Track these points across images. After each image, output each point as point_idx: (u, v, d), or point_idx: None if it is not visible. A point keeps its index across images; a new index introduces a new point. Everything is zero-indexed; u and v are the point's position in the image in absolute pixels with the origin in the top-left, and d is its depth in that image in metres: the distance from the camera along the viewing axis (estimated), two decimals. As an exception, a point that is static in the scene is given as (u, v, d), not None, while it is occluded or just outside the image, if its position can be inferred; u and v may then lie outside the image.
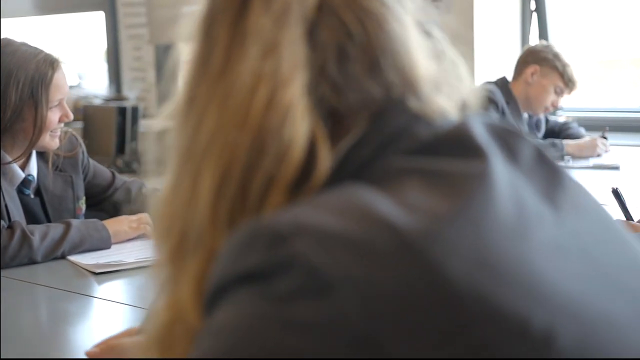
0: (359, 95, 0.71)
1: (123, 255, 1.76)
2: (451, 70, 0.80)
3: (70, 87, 5.88)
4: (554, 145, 3.19)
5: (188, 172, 0.69)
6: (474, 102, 0.79)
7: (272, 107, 0.67)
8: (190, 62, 0.73)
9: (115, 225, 1.89)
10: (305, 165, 0.68)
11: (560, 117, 3.95)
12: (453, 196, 0.63)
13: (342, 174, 0.68)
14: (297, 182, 0.67)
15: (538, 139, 3.45)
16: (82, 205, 2.03)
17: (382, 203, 0.62)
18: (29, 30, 6.27)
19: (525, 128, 3.41)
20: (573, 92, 3.43)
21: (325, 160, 0.68)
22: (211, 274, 0.63)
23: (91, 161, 2.10)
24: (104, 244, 1.82)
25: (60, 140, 1.96)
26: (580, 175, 2.96)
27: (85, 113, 4.90)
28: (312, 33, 0.70)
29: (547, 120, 3.63)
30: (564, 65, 3.34)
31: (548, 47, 3.43)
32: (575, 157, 3.16)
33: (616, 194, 1.63)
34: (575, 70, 3.39)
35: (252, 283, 0.59)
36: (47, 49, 1.92)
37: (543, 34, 4.12)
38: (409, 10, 0.78)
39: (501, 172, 0.67)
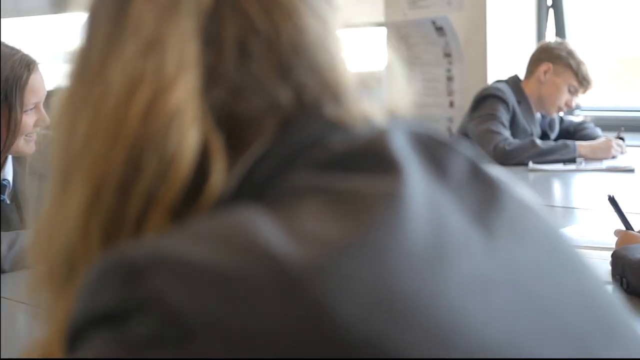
0: (264, 99, 0.62)
1: None
2: (384, 73, 0.71)
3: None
4: (566, 146, 3.06)
5: (59, 184, 0.60)
6: (406, 109, 0.69)
7: (153, 113, 0.57)
8: (73, 55, 0.64)
9: None
10: (194, 182, 0.58)
11: (577, 117, 3.82)
12: (354, 221, 0.53)
13: (239, 191, 0.59)
14: (185, 200, 0.58)
15: (551, 139, 3.33)
16: None
17: (267, 230, 0.52)
18: (44, 29, 6.25)
19: (537, 129, 3.29)
20: (588, 92, 3.30)
21: (219, 177, 0.59)
22: (70, 313, 0.54)
23: None
24: None
25: (39, 144, 1.89)
26: (593, 178, 2.84)
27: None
28: (207, 27, 0.61)
29: (561, 120, 3.50)
30: (579, 63, 3.22)
31: (562, 44, 3.31)
32: (588, 159, 3.03)
33: (613, 202, 1.52)
34: (590, 68, 3.26)
35: (108, 326, 0.50)
36: (26, 50, 1.84)
37: (560, 30, 3.98)
38: (337, 7, 0.69)
39: (419, 190, 0.57)
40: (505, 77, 3.35)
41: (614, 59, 4.24)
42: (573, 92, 3.25)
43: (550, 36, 3.98)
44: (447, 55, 3.84)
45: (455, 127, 3.66)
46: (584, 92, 3.28)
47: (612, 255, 1.46)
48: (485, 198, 0.61)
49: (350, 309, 0.49)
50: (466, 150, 0.64)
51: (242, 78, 0.61)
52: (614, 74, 4.25)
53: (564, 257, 0.64)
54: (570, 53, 3.24)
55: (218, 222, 0.54)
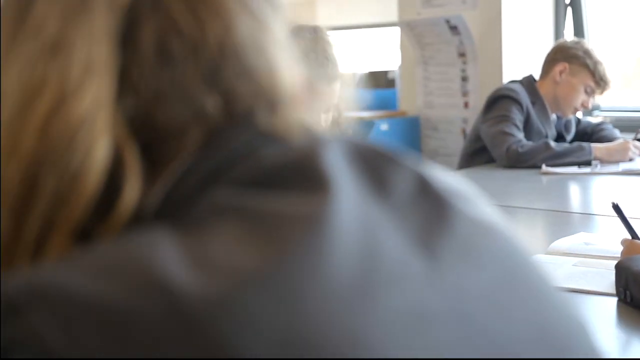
0: (187, 107, 0.56)
1: None
2: (331, 80, 0.64)
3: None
4: (581, 148, 2.97)
5: None
6: (350, 118, 0.63)
7: (54, 124, 0.51)
8: None
9: None
10: (105, 199, 0.52)
11: (596, 118, 3.72)
12: (270, 247, 0.47)
13: (157, 211, 0.53)
14: (94, 219, 0.52)
15: (567, 141, 3.24)
16: None
17: (168, 258, 0.46)
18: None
19: (552, 130, 3.20)
20: (606, 92, 3.20)
21: (132, 194, 0.53)
22: None
23: None
24: None
25: None
26: (608, 182, 2.75)
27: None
28: (122, 27, 0.55)
29: (578, 122, 3.41)
30: (596, 63, 3.12)
31: (579, 43, 3.21)
32: (604, 161, 2.94)
33: (617, 209, 1.44)
34: (609, 68, 3.17)
35: None
36: None
37: (578, 29, 3.88)
38: (280, 6, 0.63)
39: (350, 211, 0.50)
40: (520, 78, 3.27)
41: (636, 59, 4.13)
42: (590, 93, 3.16)
43: (569, 35, 3.89)
44: (462, 54, 3.76)
45: (470, 129, 3.58)
46: (601, 92, 3.19)
47: (616, 267, 1.39)
48: (432, 218, 0.55)
49: (254, 351, 0.43)
50: (415, 164, 0.58)
51: (163, 84, 0.55)
52: (635, 74, 4.14)
53: (524, 283, 0.57)
54: (587, 52, 3.14)
55: (115, 248, 0.48)
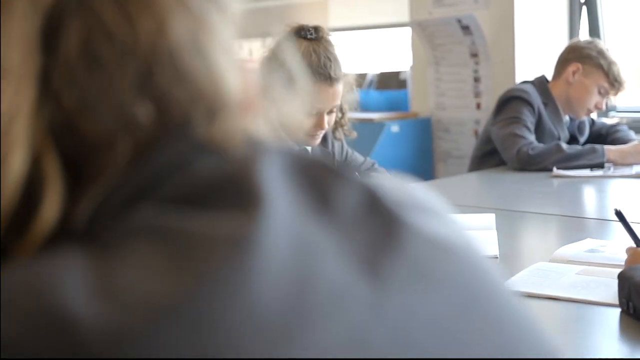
0: (116, 116, 0.51)
1: None
2: (282, 85, 0.60)
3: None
4: (593, 150, 2.90)
5: None
6: (299, 127, 0.58)
7: None
8: None
9: None
10: (22, 217, 0.48)
11: (612, 119, 3.65)
12: (185, 274, 0.43)
13: (80, 231, 0.48)
14: (8, 238, 0.48)
15: (580, 143, 3.17)
16: None
17: (71, 288, 0.42)
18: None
19: (565, 132, 3.13)
20: (620, 93, 3.13)
21: (50, 213, 0.48)
22: None
23: None
24: None
25: None
26: (621, 185, 2.68)
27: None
28: (44, 28, 0.50)
29: (593, 123, 3.33)
30: (610, 63, 3.05)
31: (592, 42, 3.14)
32: (617, 164, 2.86)
33: (620, 216, 1.38)
34: (624, 68, 3.09)
35: None
36: None
37: (594, 29, 3.81)
38: (228, 8, 0.58)
39: (283, 231, 0.46)
40: (532, 78, 3.20)
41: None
42: (603, 94, 3.09)
43: (584, 34, 3.81)
44: (474, 55, 3.69)
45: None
46: (616, 93, 3.12)
47: (619, 276, 1.33)
48: (381, 237, 0.50)
49: None
50: (365, 179, 0.53)
51: (88, 90, 0.50)
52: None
53: (483, 311, 0.52)
54: (601, 52, 3.07)
55: (16, 275, 0.44)
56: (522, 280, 1.49)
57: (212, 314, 0.41)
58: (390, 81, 4.19)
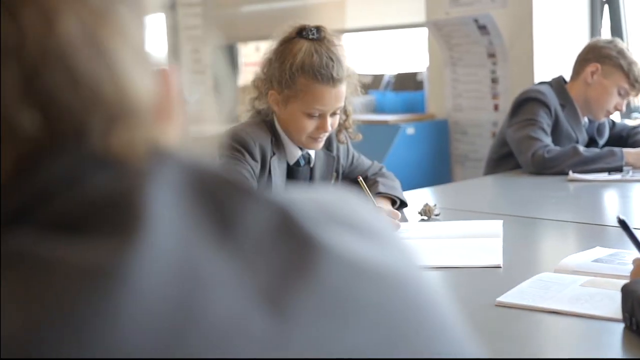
0: (2, 126, 0.46)
1: None
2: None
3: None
4: (612, 153, 2.80)
5: None
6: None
7: None
8: None
9: None
10: None
11: (635, 121, 3.54)
12: (40, 308, 0.37)
13: None
14: None
15: (599, 146, 3.07)
16: None
17: None
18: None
19: (583, 134, 3.04)
20: (641, 94, 3.03)
21: None
22: None
23: None
24: None
25: None
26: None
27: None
28: None
29: (613, 125, 3.23)
30: (630, 64, 2.95)
31: (612, 42, 3.04)
32: (637, 167, 2.77)
33: (623, 224, 1.30)
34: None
35: None
36: None
37: (616, 28, 3.70)
38: (140, 3, 0.52)
39: (164, 259, 0.40)
40: (550, 79, 3.11)
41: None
42: (623, 95, 2.99)
43: (606, 34, 3.71)
44: (491, 55, 3.61)
45: (500, 132, 3.43)
46: (636, 94, 3.02)
47: (622, 290, 1.25)
48: (290, 265, 0.44)
49: None
50: (278, 198, 0.47)
51: None
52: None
53: (408, 343, 0.46)
54: (621, 52, 2.97)
55: None
56: (522, 292, 1.42)
57: (69, 348, 0.35)
58: (407, 82, 4.12)
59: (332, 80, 2.04)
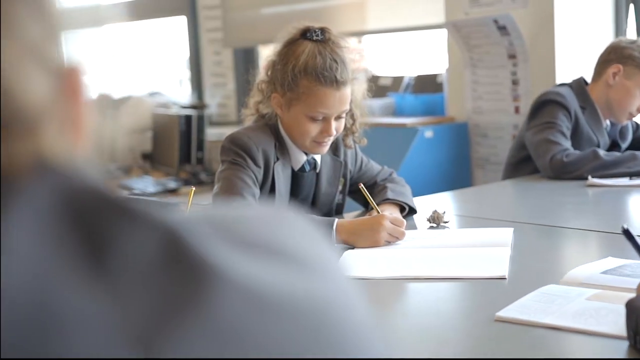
0: None
1: None
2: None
3: (152, 94, 5.79)
4: (634, 157, 2.70)
5: None
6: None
7: None
8: None
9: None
10: None
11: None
12: None
13: None
14: None
15: (622, 150, 2.97)
16: None
17: None
18: (124, 36, 6.25)
19: (605, 138, 2.94)
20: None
21: None
22: None
23: None
24: None
25: None
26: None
27: (155, 122, 4.77)
28: None
29: (637, 128, 3.13)
30: (654, 65, 2.85)
31: (635, 42, 2.94)
32: (659, 172, 2.67)
33: (628, 234, 1.23)
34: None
35: None
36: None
37: (642, 27, 3.59)
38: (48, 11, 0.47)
39: (11, 299, 0.35)
40: (570, 80, 3.02)
41: None
42: (647, 97, 2.89)
43: (631, 34, 3.60)
44: (512, 56, 3.52)
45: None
46: (660, 96, 2.91)
47: (626, 305, 1.18)
48: (173, 300, 0.38)
49: None
50: (168, 218, 0.41)
51: None
52: None
53: None
54: (645, 53, 2.87)
55: None
56: (523, 307, 1.35)
57: None
58: (427, 84, 4.04)
59: (335, 82, 1.98)
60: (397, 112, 4.01)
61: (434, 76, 4.01)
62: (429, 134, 3.59)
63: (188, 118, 4.41)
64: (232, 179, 1.98)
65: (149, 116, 4.98)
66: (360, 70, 2.18)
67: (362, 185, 2.02)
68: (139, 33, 6.18)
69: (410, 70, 4.24)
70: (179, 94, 5.83)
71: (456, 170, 3.72)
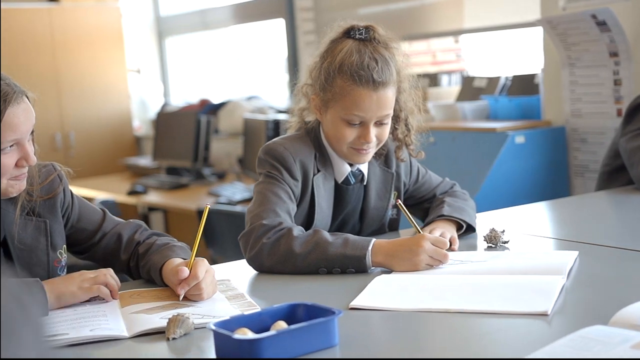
0: None
1: (62, 327, 1.39)
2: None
3: (249, 98, 5.77)
4: None
5: None
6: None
7: None
8: None
9: (61, 285, 1.53)
10: None
11: None
12: None
13: None
14: None
15: None
16: (62, 255, 1.71)
17: None
18: (229, 40, 6.26)
19: None
20: None
21: None
22: None
23: (77, 200, 1.77)
24: None
25: (35, 179, 1.66)
26: None
27: (246, 127, 4.71)
28: None
29: None
30: None
31: None
32: None
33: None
34: None
35: None
36: (11, 81, 1.56)
37: None
38: None
39: None
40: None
41: None
42: None
43: None
44: (613, 54, 3.21)
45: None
46: None
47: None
48: None
49: None
50: None
51: None
52: None
53: None
54: None
55: None
56: (554, 352, 1.13)
57: None
58: (524, 86, 3.76)
59: (372, 82, 1.79)
60: (490, 115, 3.75)
61: (532, 76, 3.73)
62: (520, 139, 3.32)
63: (276, 123, 4.32)
64: (265, 193, 1.84)
65: (241, 121, 4.93)
66: (413, 76, 1.97)
67: (399, 201, 1.82)
68: (240, 37, 6.15)
69: (506, 71, 3.97)
70: (276, 97, 5.76)
71: (551, 178, 3.44)
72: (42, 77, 5.82)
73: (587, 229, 2.11)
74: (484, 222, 2.25)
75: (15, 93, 1.53)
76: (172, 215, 5.67)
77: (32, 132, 1.60)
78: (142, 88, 6.67)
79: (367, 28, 1.87)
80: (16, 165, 1.56)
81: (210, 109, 5.64)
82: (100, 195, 4.85)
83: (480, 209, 2.86)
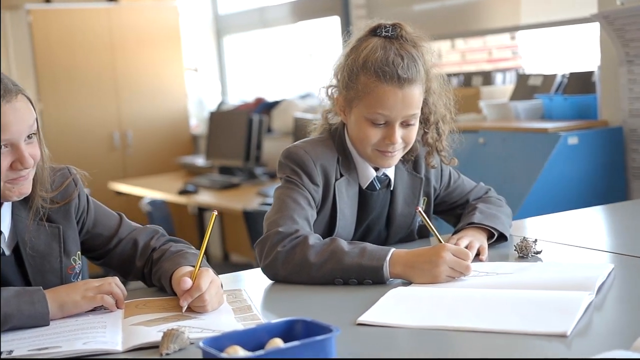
0: None
1: (58, 339, 1.35)
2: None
3: (303, 96, 5.72)
4: None
5: None
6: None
7: None
8: None
9: (64, 294, 1.48)
10: None
11: None
12: None
13: None
14: None
15: None
16: (77, 262, 1.67)
17: None
18: (287, 38, 6.23)
19: None
20: None
21: None
22: None
23: (93, 205, 1.73)
24: (38, 321, 1.42)
25: (42, 183, 1.61)
26: None
27: (296, 126, 4.66)
28: None
29: None
30: None
31: None
32: None
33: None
34: None
35: None
36: (5, 79, 1.49)
37: None
38: None
39: None
40: None
41: None
42: None
43: None
44: (674, 51, 3.04)
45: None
46: None
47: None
48: None
49: None
50: None
51: None
52: None
53: None
54: None
55: None
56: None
57: None
58: (582, 84, 3.60)
59: (397, 79, 1.70)
60: (545, 115, 3.60)
61: (589, 74, 3.56)
62: (573, 140, 3.17)
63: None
64: (284, 199, 1.77)
65: (292, 120, 4.88)
66: (444, 77, 1.87)
67: (420, 209, 1.72)
68: (296, 34, 6.11)
69: (563, 69, 3.80)
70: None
71: (607, 181, 3.27)
72: (100, 77, 5.89)
73: (632, 238, 1.98)
74: (525, 228, 2.14)
75: (5, 91, 1.46)
76: (223, 215, 5.65)
77: (38, 133, 1.55)
78: (199, 87, 6.70)
79: (394, 26, 1.79)
80: (11, 167, 1.51)
81: (265, 107, 5.62)
82: (151, 194, 4.87)
83: (530, 213, 2.73)
